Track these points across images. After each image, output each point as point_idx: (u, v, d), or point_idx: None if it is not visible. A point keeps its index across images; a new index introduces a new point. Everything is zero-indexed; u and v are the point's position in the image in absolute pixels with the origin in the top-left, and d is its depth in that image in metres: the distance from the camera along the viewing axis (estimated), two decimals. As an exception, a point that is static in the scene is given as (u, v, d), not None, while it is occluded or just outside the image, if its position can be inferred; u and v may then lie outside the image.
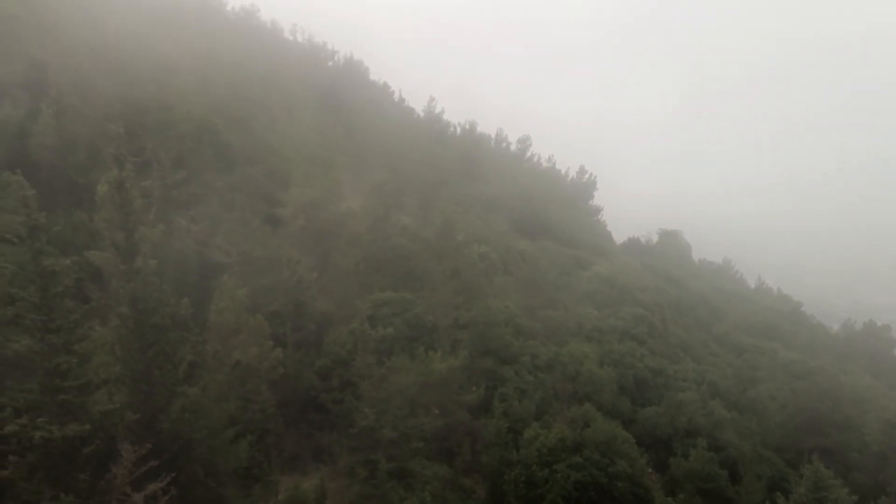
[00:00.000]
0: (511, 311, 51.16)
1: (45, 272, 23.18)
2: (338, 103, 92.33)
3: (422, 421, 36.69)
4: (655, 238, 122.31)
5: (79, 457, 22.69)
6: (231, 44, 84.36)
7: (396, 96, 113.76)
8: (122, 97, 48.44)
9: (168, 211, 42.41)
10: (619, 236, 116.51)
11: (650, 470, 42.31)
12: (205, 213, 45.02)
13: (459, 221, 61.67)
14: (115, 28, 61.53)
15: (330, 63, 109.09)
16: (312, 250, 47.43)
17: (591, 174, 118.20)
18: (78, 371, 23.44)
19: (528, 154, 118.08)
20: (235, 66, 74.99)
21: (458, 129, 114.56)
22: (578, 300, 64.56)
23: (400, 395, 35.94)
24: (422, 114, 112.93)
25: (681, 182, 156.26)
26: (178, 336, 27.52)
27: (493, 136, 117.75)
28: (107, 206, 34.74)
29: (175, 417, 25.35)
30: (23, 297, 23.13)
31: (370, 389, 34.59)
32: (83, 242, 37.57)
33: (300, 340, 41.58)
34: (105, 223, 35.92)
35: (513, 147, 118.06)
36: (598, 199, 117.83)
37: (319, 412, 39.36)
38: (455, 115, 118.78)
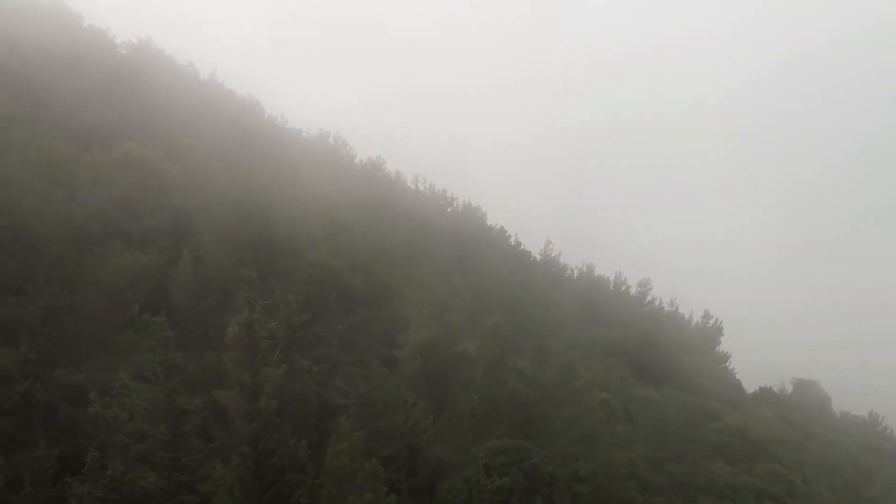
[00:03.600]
0: (635, 464, 48.35)
1: (176, 410, 24.04)
2: (456, 247, 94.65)
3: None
4: (790, 388, 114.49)
5: None
6: (357, 192, 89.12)
7: (513, 240, 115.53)
8: (255, 243, 51.44)
9: (292, 352, 43.59)
10: (749, 385, 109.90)
11: None
12: (326, 354, 46.01)
13: (578, 366, 60.21)
14: (254, 179, 66.37)
15: (449, 209, 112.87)
16: (428, 393, 47.20)
17: (716, 319, 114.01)
18: (198, 511, 23.67)
19: (649, 297, 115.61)
20: (360, 213, 78.79)
21: (576, 272, 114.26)
22: (708, 454, 60.50)
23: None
24: (538, 257, 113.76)
25: (805, 332, 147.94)
26: (296, 478, 27.50)
27: (611, 278, 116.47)
28: (235, 347, 36.14)
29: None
30: (153, 434, 23.94)
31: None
32: (212, 382, 38.91)
33: (414, 487, 40.60)
34: (232, 363, 37.25)
35: (633, 290, 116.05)
36: (725, 345, 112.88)
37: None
38: (572, 257, 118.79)
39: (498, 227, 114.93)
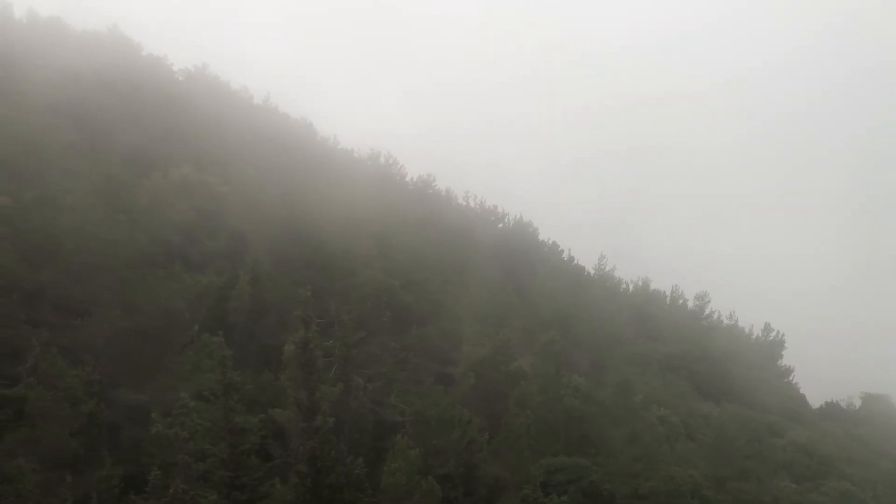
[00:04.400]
0: (696, 482, 47.12)
1: (235, 429, 24.35)
2: (508, 263, 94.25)
3: None
4: (858, 402, 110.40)
5: None
6: (408, 210, 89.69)
7: (566, 255, 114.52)
8: (310, 263, 52.13)
9: (347, 370, 43.88)
10: (814, 400, 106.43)
11: None
12: (380, 372, 46.19)
13: (635, 382, 59.20)
14: (308, 200, 67.39)
15: (500, 225, 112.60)
16: (483, 410, 46.91)
17: (777, 332, 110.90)
18: (257, 530, 23.88)
19: (707, 311, 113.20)
20: (412, 231, 79.24)
21: (631, 286, 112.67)
22: (773, 471, 58.61)
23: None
24: (592, 272, 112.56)
25: (872, 348, 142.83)
26: (352, 496, 27.57)
27: (667, 292, 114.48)
28: (292, 366, 36.55)
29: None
30: (214, 453, 24.27)
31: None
32: (269, 401, 39.39)
33: (471, 506, 40.30)
34: (289, 381, 37.67)
35: (690, 304, 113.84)
36: (787, 359, 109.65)
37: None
38: (626, 272, 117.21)
39: (550, 242, 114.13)
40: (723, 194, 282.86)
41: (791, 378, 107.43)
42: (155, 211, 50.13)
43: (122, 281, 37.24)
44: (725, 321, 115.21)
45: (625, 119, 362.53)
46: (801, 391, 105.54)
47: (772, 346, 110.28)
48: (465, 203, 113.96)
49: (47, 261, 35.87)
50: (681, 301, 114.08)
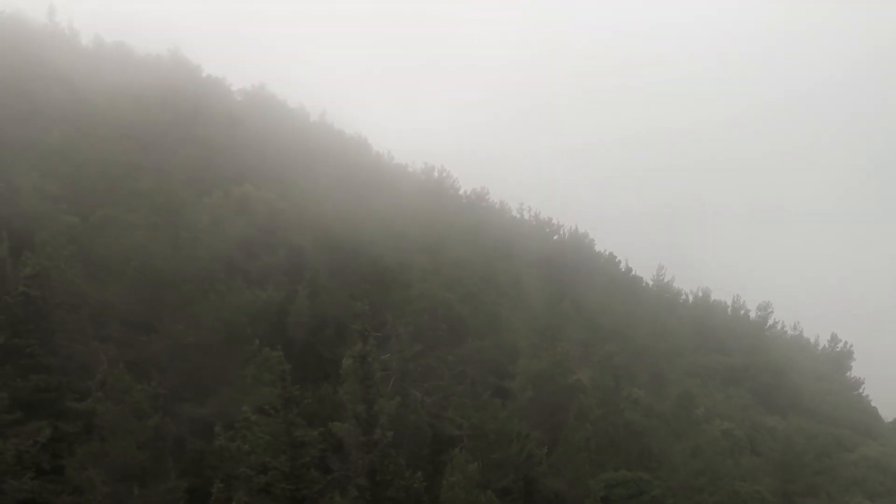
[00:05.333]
0: (763, 497, 45.81)
1: (295, 443, 24.62)
2: (564, 275, 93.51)
3: None
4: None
5: None
6: (463, 223, 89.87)
7: (623, 266, 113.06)
8: (367, 277, 52.59)
9: (405, 383, 44.01)
10: (887, 413, 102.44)
11: None
12: (437, 385, 46.19)
13: (697, 395, 57.92)
14: (364, 215, 68.16)
15: (555, 237, 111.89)
16: (541, 424, 46.49)
17: (845, 343, 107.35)
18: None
19: (770, 321, 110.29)
20: (467, 244, 79.32)
21: (690, 297, 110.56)
22: (844, 487, 56.65)
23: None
24: (651, 283, 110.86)
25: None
26: (412, 510, 27.56)
27: (728, 303, 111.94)
28: (350, 379, 36.86)
29: None
30: (275, 466, 24.58)
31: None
32: (328, 414, 39.73)
33: (531, 520, 39.93)
34: (348, 395, 37.97)
35: (752, 314, 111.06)
36: (856, 371, 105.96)
37: None
38: (685, 282, 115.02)
39: (606, 253, 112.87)
40: (786, 200, 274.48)
41: (861, 391, 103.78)
42: (216, 228, 51.28)
43: (185, 297, 38.11)
44: (789, 332, 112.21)
45: (677, 129, 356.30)
46: (873, 404, 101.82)
47: (839, 358, 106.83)
48: (518, 215, 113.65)
49: (114, 278, 36.97)
50: (742, 311, 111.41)
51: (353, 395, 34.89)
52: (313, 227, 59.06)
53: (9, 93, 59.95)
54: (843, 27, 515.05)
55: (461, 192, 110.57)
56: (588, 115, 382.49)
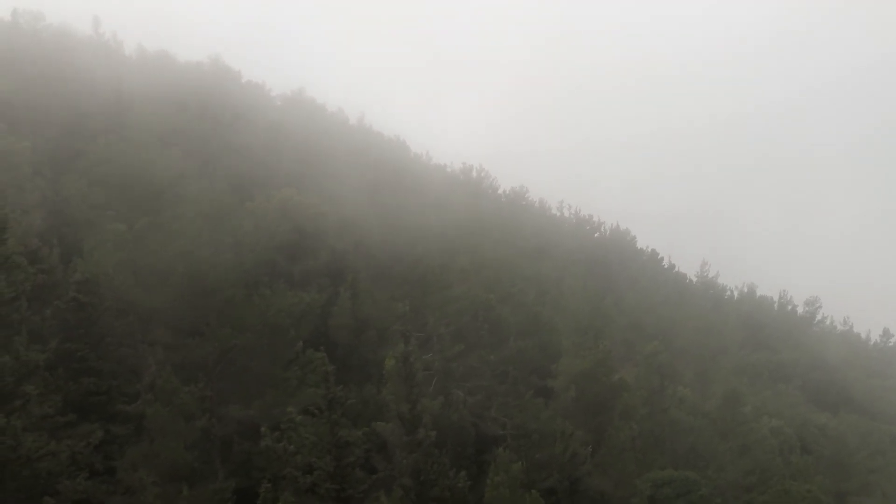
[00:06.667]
0: (815, 497, 44.78)
1: (340, 443, 24.85)
2: (606, 273, 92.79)
3: None
4: None
5: None
6: (501, 222, 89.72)
7: (666, 262, 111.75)
8: (407, 278, 52.81)
9: (447, 384, 44.10)
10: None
11: None
12: (480, 385, 46.18)
13: (744, 393, 56.98)
14: (403, 217, 68.46)
15: (596, 234, 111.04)
16: (585, 423, 46.19)
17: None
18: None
19: (819, 317, 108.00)
20: (507, 243, 79.15)
21: (736, 293, 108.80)
22: (899, 486, 55.17)
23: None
24: (695, 279, 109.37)
25: None
26: (457, 510, 27.61)
27: (775, 298, 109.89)
28: (393, 380, 37.04)
29: None
30: (320, 466, 24.82)
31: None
32: (371, 414, 39.98)
33: (576, 520, 39.71)
34: (391, 395, 38.18)
35: (800, 309, 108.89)
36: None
37: None
38: (730, 277, 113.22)
39: (649, 250, 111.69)
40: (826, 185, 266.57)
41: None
42: (259, 233, 51.96)
43: (230, 300, 38.67)
44: (839, 327, 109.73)
45: (720, 125, 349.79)
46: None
47: (893, 353, 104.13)
48: (558, 213, 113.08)
49: (160, 284, 37.69)
50: (790, 307, 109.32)
51: (396, 395, 35.07)
52: (354, 230, 59.50)
53: (58, 103, 61.57)
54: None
55: (500, 191, 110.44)
56: (619, 110, 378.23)
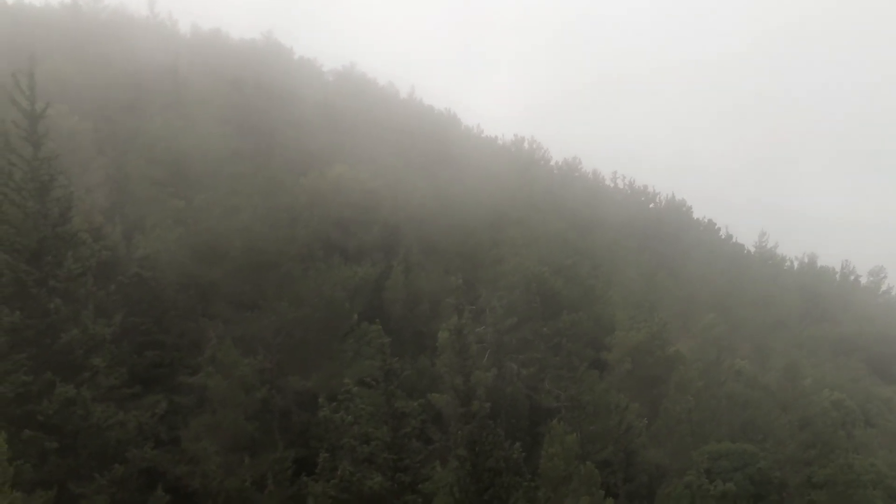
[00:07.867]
0: (880, 471, 43.78)
1: (396, 413, 25.23)
2: (661, 244, 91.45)
3: None
4: None
5: None
6: (555, 194, 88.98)
7: (723, 233, 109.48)
8: (460, 252, 52.95)
9: (500, 356, 44.27)
10: None
11: None
12: (533, 358, 46.23)
13: (804, 365, 55.80)
14: (455, 190, 68.40)
15: (651, 205, 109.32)
16: (640, 396, 45.89)
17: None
18: (421, 511, 24.65)
19: (884, 287, 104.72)
20: (559, 216, 78.51)
21: (796, 264, 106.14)
22: (968, 460, 53.51)
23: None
24: (753, 249, 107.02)
25: None
26: (512, 480, 27.82)
27: (837, 268, 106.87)
28: (447, 352, 37.38)
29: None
30: (377, 436, 25.25)
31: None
32: (426, 386, 40.46)
33: (632, 492, 39.66)
34: (445, 367, 38.57)
35: (863, 280, 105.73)
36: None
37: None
38: (788, 243, 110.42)
39: (706, 220, 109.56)
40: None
41: None
42: (314, 208, 52.62)
43: (287, 275, 39.34)
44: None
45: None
46: None
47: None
48: (612, 184, 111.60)
49: (219, 259, 38.54)
50: (853, 277, 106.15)
51: (450, 367, 35.40)
52: (406, 205, 59.81)
53: (117, 83, 63.08)
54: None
55: (552, 162, 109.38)
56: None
